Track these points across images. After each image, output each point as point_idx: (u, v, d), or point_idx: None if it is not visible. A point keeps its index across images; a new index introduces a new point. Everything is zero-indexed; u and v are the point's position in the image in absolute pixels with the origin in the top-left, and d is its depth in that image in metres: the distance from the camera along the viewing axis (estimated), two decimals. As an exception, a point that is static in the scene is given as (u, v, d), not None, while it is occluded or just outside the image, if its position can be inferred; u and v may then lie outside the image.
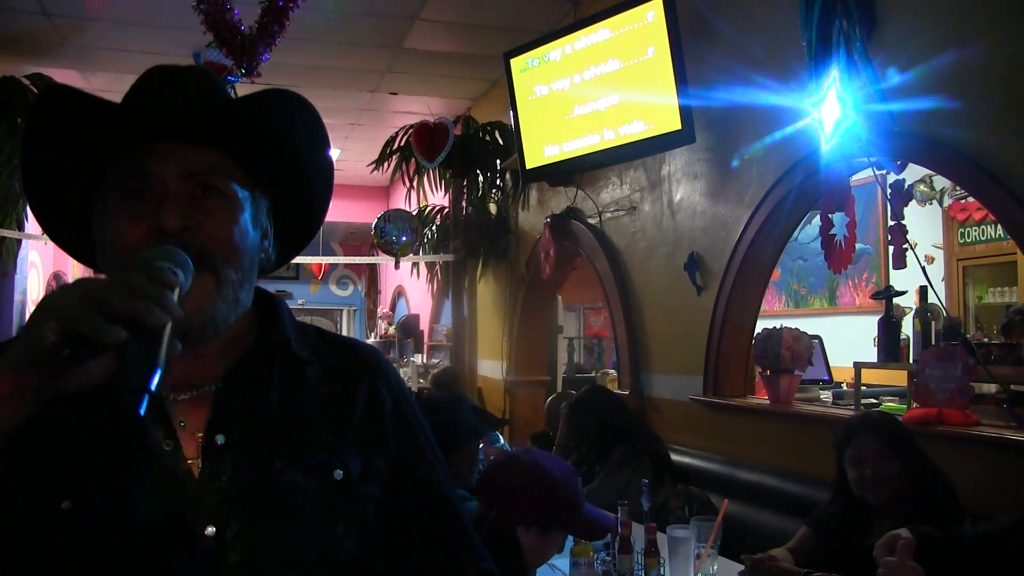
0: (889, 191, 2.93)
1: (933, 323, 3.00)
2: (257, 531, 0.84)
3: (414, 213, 6.59)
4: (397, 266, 6.55)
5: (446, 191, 6.60)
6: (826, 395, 3.81)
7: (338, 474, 0.89)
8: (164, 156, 0.87)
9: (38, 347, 0.70)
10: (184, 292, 0.79)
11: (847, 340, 5.31)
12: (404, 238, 6.11)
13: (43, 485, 0.80)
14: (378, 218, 6.21)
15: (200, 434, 0.87)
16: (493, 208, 6.38)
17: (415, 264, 7.22)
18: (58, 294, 0.72)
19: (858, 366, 3.19)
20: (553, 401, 4.49)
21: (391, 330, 10.20)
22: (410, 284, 9.26)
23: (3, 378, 0.71)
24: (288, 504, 0.86)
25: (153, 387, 0.69)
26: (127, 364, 0.70)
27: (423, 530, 0.98)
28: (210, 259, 0.86)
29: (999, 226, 5.21)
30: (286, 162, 0.96)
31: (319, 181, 1.02)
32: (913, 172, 3.80)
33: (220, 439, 0.86)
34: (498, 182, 6.28)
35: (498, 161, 6.14)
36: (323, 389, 0.95)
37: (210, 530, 0.82)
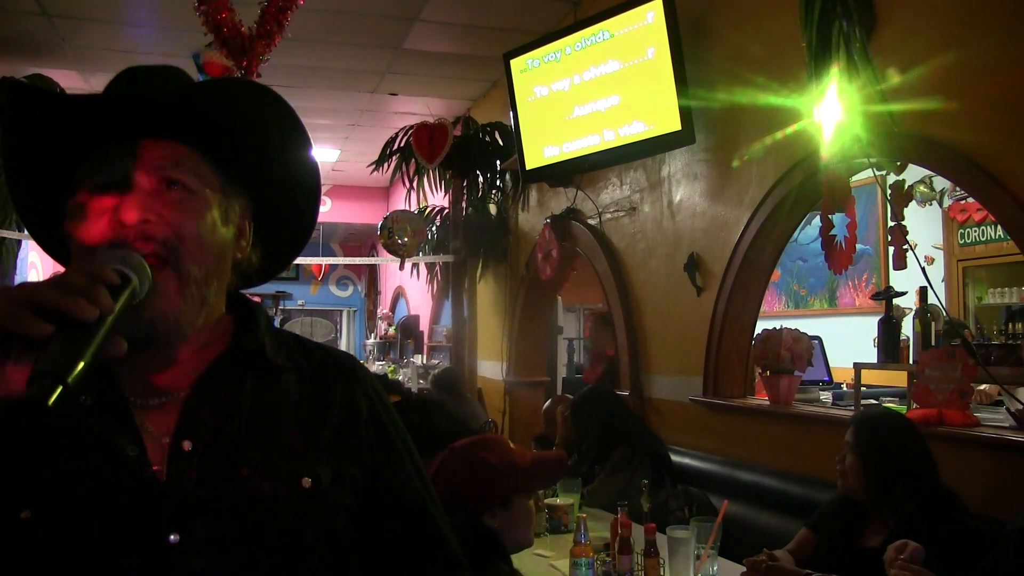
0: (889, 192, 2.93)
1: (933, 324, 3.00)
2: (222, 538, 0.82)
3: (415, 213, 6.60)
4: (402, 267, 6.56)
5: (446, 192, 6.60)
6: (826, 396, 3.80)
7: (306, 482, 0.87)
8: (127, 151, 0.87)
9: None
10: (140, 296, 0.77)
11: (847, 341, 5.31)
12: (406, 239, 6.12)
13: (2, 495, 0.78)
14: (385, 218, 6.23)
15: (167, 440, 0.85)
16: (493, 209, 6.38)
17: (415, 265, 7.23)
18: None
19: (858, 367, 3.19)
20: (551, 404, 4.49)
21: (391, 331, 10.20)
22: (410, 285, 9.27)
23: None
24: (254, 511, 0.84)
25: (70, 379, 0.65)
26: (47, 353, 0.66)
27: (399, 540, 0.97)
28: (172, 253, 0.85)
29: (999, 227, 5.21)
30: (253, 154, 0.95)
31: (298, 178, 1.00)
32: (913, 173, 3.80)
33: (187, 445, 0.84)
34: (498, 183, 6.28)
35: (498, 162, 6.14)
36: (297, 396, 0.93)
37: (174, 537, 0.80)
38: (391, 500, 0.97)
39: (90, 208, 0.86)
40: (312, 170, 1.01)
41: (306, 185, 1.01)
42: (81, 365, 0.66)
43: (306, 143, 0.99)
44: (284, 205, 1.01)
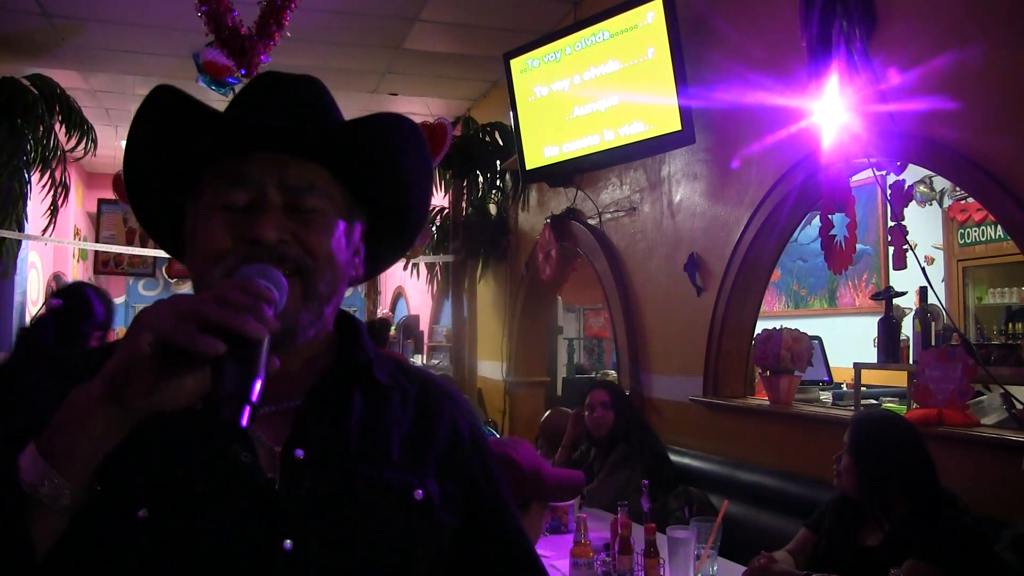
0: (889, 192, 2.93)
1: (933, 324, 3.00)
2: (336, 547, 0.83)
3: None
4: (406, 267, 6.57)
5: (446, 192, 6.60)
6: (826, 396, 3.81)
7: (419, 494, 0.88)
8: (264, 165, 0.86)
9: (134, 362, 0.69)
10: (279, 311, 0.78)
11: (847, 341, 5.31)
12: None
13: (121, 493, 0.79)
14: None
15: (278, 448, 0.85)
16: (493, 209, 6.39)
17: (415, 264, 7.23)
18: (152, 308, 0.71)
19: (858, 367, 3.19)
20: (553, 415, 4.42)
21: (391, 331, 10.20)
22: (410, 285, 9.26)
23: (101, 398, 0.70)
24: (368, 523, 0.85)
25: (255, 398, 0.68)
26: (227, 375, 0.68)
27: (494, 565, 0.98)
28: (304, 269, 0.86)
29: (999, 226, 5.21)
30: (388, 187, 0.95)
31: (417, 207, 1.01)
32: (913, 173, 3.80)
33: (299, 453, 0.85)
34: (498, 183, 6.28)
35: (498, 162, 6.14)
36: (403, 415, 0.94)
37: (289, 544, 0.81)
38: (489, 526, 0.98)
39: (221, 217, 0.86)
40: (427, 201, 1.02)
41: (418, 214, 1.02)
42: (259, 385, 0.69)
43: (431, 176, 1.01)
44: (394, 229, 1.01)
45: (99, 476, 0.73)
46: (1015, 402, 2.81)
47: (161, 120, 0.88)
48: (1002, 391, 2.67)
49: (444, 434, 0.96)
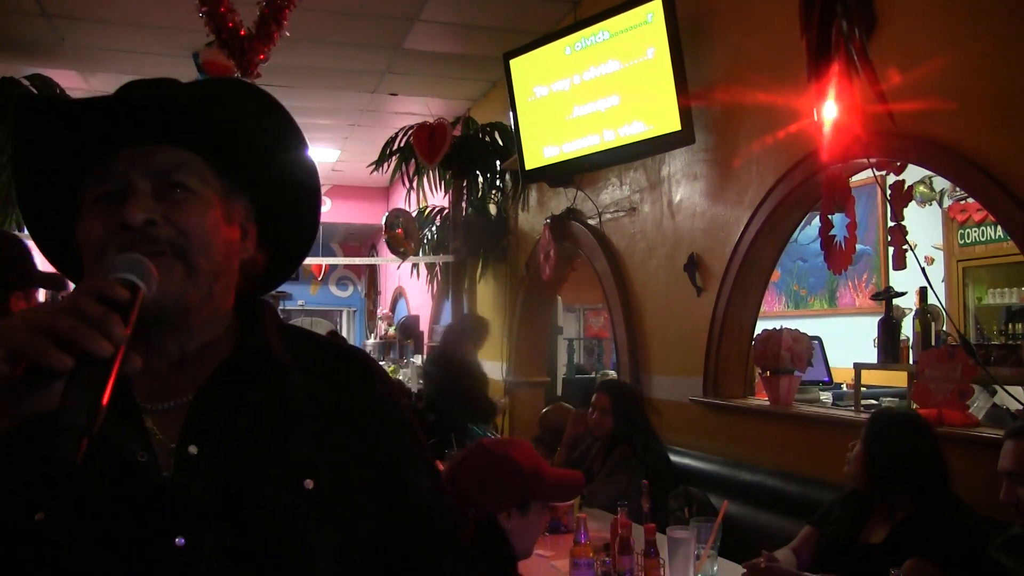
0: (889, 192, 2.93)
1: (933, 324, 3.00)
2: (228, 542, 0.83)
3: (414, 214, 6.62)
4: (400, 266, 6.59)
5: (446, 192, 6.60)
6: (826, 396, 3.80)
7: (308, 483, 0.87)
8: (130, 157, 0.89)
9: None
10: (150, 296, 0.78)
11: (847, 341, 5.31)
12: (404, 235, 6.17)
13: (17, 497, 0.79)
14: (395, 216, 6.29)
15: (174, 445, 0.86)
16: (493, 209, 6.39)
17: (415, 265, 7.23)
18: (8, 321, 0.71)
19: (858, 367, 3.19)
20: (553, 411, 4.41)
21: (391, 331, 10.20)
22: (410, 285, 9.27)
23: None
24: (260, 515, 0.85)
25: (95, 431, 0.66)
26: (69, 398, 0.66)
27: (411, 540, 0.96)
28: (179, 249, 0.87)
29: (999, 227, 5.21)
30: (250, 155, 0.96)
31: (297, 178, 1.01)
32: (913, 173, 3.80)
33: (193, 450, 0.85)
34: (498, 183, 6.28)
35: (498, 162, 6.14)
36: (303, 396, 0.93)
37: (180, 540, 0.81)
38: (403, 500, 0.96)
39: (96, 215, 0.88)
40: (310, 170, 1.02)
41: (306, 186, 1.02)
42: (103, 410, 0.67)
43: (300, 142, 1.00)
44: (285, 207, 1.01)
45: None
46: (999, 389, 2.81)
47: (30, 129, 0.91)
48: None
49: (348, 411, 0.94)
